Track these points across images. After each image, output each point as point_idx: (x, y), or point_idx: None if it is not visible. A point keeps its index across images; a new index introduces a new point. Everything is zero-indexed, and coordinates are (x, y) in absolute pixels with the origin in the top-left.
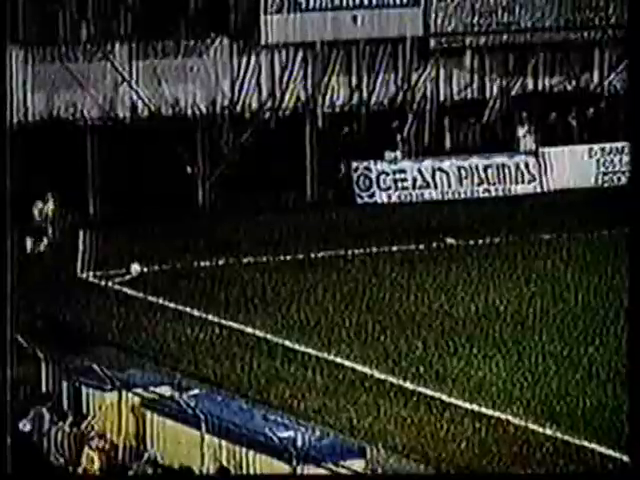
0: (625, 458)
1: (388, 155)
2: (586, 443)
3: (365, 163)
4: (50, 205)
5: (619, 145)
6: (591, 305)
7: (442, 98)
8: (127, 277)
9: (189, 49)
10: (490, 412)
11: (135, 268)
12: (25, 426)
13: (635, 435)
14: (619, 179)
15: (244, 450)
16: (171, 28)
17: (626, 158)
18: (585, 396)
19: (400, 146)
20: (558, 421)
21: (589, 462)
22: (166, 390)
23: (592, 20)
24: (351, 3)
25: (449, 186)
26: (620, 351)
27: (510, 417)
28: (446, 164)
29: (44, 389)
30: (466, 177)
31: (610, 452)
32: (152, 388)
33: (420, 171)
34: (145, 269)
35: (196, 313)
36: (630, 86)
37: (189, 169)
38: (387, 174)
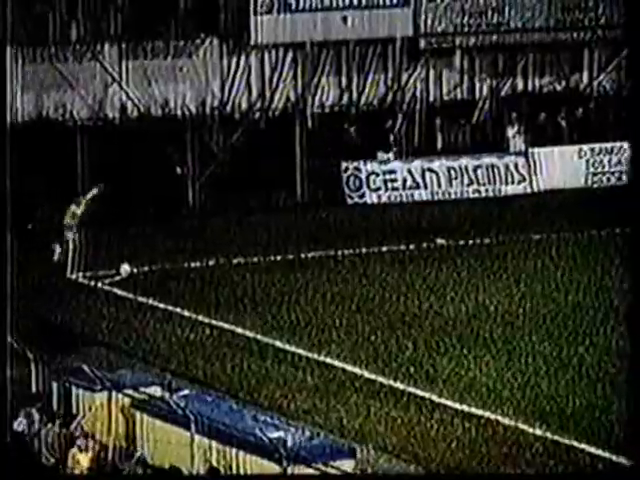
0: (615, 458)
1: (381, 156)
2: (576, 443)
3: (355, 163)
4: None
5: (608, 145)
6: (581, 305)
7: (432, 98)
8: (117, 278)
9: (179, 49)
10: (480, 412)
11: (125, 269)
12: (19, 426)
13: (632, 434)
14: (609, 179)
15: (234, 451)
16: (161, 28)
17: (615, 158)
18: (575, 396)
19: (393, 147)
20: (548, 421)
21: (579, 462)
22: (156, 390)
23: (582, 21)
24: (341, 4)
25: (439, 186)
26: (610, 351)
27: (500, 417)
28: (436, 164)
29: (34, 390)
30: (456, 177)
31: (599, 452)
32: (142, 388)
33: (410, 171)
34: (135, 270)
35: (186, 313)
36: (630, 86)
37: (179, 170)
38: (377, 174)
